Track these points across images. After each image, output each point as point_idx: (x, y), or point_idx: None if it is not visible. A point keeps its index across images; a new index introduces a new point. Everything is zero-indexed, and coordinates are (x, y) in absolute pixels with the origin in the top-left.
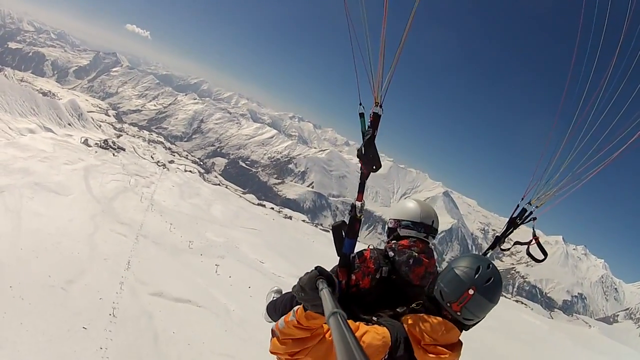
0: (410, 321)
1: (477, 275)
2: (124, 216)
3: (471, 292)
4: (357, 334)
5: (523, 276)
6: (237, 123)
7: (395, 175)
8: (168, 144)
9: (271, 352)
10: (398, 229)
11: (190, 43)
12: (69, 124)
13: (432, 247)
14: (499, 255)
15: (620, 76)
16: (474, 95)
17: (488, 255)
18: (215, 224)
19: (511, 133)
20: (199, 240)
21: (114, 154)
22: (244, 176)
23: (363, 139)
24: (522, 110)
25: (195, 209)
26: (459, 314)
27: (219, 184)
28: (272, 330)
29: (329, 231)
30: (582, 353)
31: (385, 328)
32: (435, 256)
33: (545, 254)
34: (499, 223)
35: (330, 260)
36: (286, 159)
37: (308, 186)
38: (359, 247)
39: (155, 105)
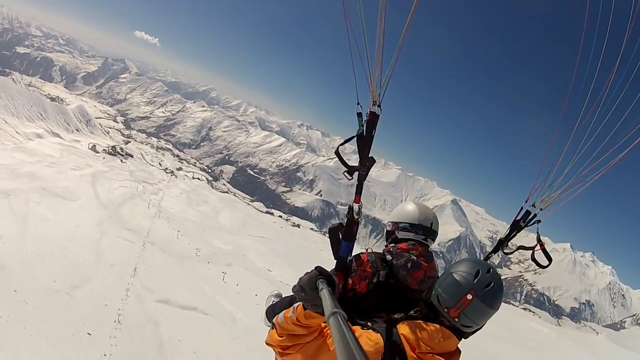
0: (405, 328)
1: (476, 280)
2: (131, 223)
3: (470, 297)
4: None
5: (531, 284)
6: (245, 131)
7: (403, 184)
8: (176, 151)
9: (266, 343)
10: (396, 232)
11: (199, 50)
12: (77, 130)
13: (432, 250)
14: (506, 263)
15: (625, 76)
16: (481, 101)
17: (490, 259)
18: (222, 231)
19: (519, 139)
20: (206, 248)
21: (121, 161)
22: (252, 184)
23: (358, 138)
24: (530, 115)
25: (203, 216)
26: (456, 320)
27: (227, 192)
28: (272, 322)
29: None
30: None
31: (378, 334)
32: (436, 261)
33: (550, 259)
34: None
35: None
36: (294, 167)
37: (316, 194)
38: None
39: (163, 112)
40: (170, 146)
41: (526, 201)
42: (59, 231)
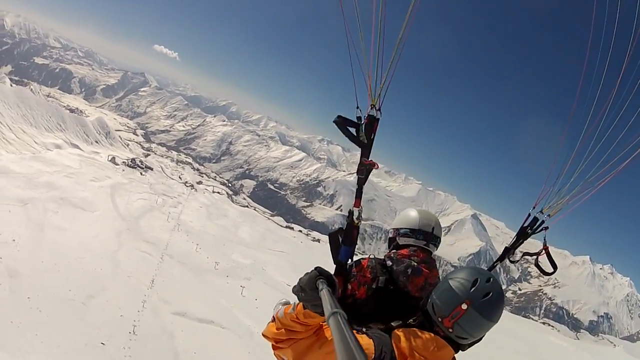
0: (399, 335)
1: (473, 289)
2: (149, 235)
3: (464, 306)
4: None
5: (550, 298)
6: (265, 145)
7: (423, 198)
8: (196, 165)
9: (262, 334)
10: (397, 238)
11: (219, 65)
12: (96, 142)
13: (435, 257)
14: (526, 277)
15: (634, 80)
16: (501, 113)
17: (510, 273)
18: (242, 245)
19: (539, 153)
20: (225, 262)
21: (141, 173)
22: (273, 199)
23: (361, 143)
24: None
25: (223, 230)
26: (450, 330)
27: (247, 206)
28: (272, 315)
29: (357, 254)
30: None
31: (371, 340)
32: (439, 268)
33: (555, 267)
34: (527, 244)
35: None
36: (315, 182)
37: (337, 209)
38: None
39: (184, 126)
40: (190, 160)
41: (533, 207)
42: (75, 241)
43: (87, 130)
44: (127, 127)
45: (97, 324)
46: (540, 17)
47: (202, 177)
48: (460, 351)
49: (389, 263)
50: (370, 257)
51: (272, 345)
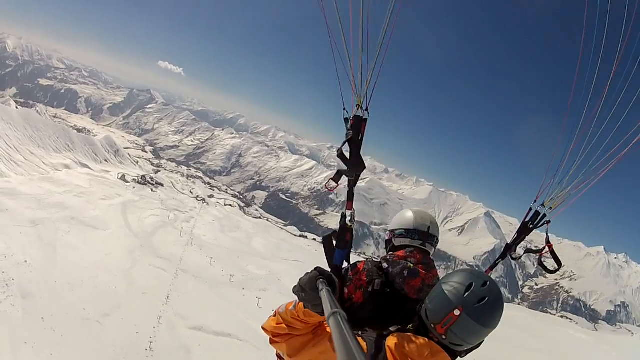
0: (392, 340)
1: (467, 294)
2: (163, 251)
3: (457, 312)
4: None
5: (567, 291)
6: (275, 156)
7: (436, 200)
8: (207, 179)
9: (262, 327)
10: (393, 240)
11: (224, 77)
12: (105, 160)
13: (433, 258)
14: (542, 272)
15: (631, 64)
16: (507, 110)
17: (525, 270)
18: (256, 257)
19: (549, 148)
20: (240, 274)
21: (152, 190)
22: (285, 208)
23: (349, 144)
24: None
25: (236, 242)
26: (444, 337)
27: (259, 217)
28: (274, 310)
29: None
30: None
31: (365, 343)
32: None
33: (559, 264)
34: (541, 239)
35: None
36: (326, 190)
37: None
38: None
39: (192, 141)
40: (200, 174)
41: (535, 201)
42: (88, 260)
43: (95, 149)
44: (136, 144)
45: (112, 342)
46: (541, 12)
47: (213, 190)
48: (459, 357)
49: (385, 265)
50: (367, 259)
51: (270, 339)
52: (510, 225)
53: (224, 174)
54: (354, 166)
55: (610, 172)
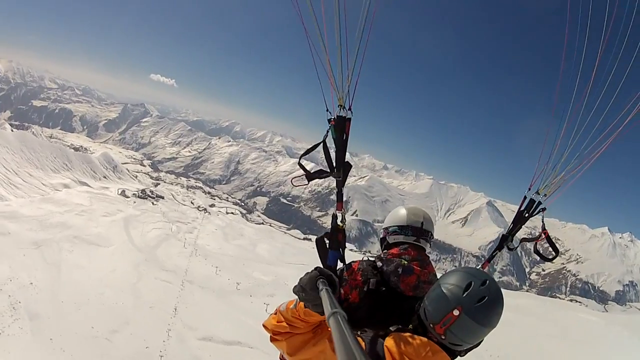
0: (390, 340)
1: (466, 293)
2: (168, 263)
3: (456, 312)
4: None
5: (574, 274)
6: (274, 161)
7: (437, 193)
8: (207, 188)
9: (262, 325)
10: (387, 237)
11: (217, 86)
12: (105, 177)
13: (429, 254)
14: (548, 257)
15: (620, 40)
16: (502, 96)
17: (531, 257)
18: (262, 262)
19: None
20: (246, 281)
21: (153, 203)
22: (287, 212)
23: (335, 145)
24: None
25: (241, 249)
26: (443, 337)
27: (262, 223)
28: (275, 309)
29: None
30: None
31: (363, 343)
32: (433, 257)
33: (556, 251)
34: (545, 224)
35: None
36: (327, 191)
37: (352, 215)
38: None
39: (190, 152)
40: (200, 184)
41: (529, 189)
42: (94, 277)
43: (93, 166)
44: (134, 159)
45: (123, 358)
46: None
47: (214, 199)
48: (458, 357)
49: (379, 264)
50: (361, 259)
51: (270, 336)
52: (513, 213)
53: (224, 182)
54: (340, 167)
55: (609, 152)
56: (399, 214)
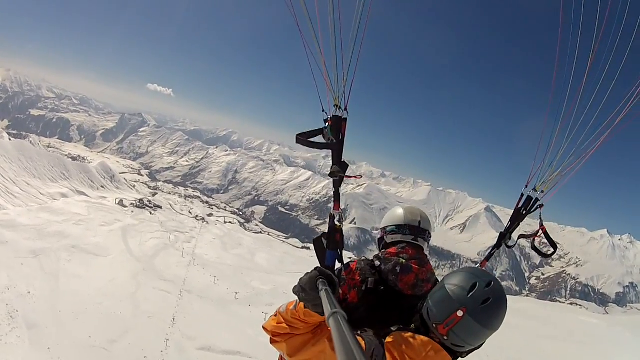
0: (391, 339)
1: (470, 294)
2: (166, 273)
3: (460, 313)
4: None
5: (574, 277)
6: (271, 169)
7: (435, 199)
8: (205, 198)
9: (262, 327)
10: (385, 237)
11: (214, 95)
12: (102, 187)
13: (427, 252)
14: (547, 261)
15: (613, 36)
16: (497, 102)
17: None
18: (260, 272)
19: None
20: (245, 290)
21: (150, 213)
22: (285, 221)
23: (332, 147)
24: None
25: (239, 259)
26: (446, 338)
27: (260, 232)
28: (275, 310)
29: None
30: None
31: (363, 342)
32: (433, 263)
33: (554, 246)
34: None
35: None
36: (325, 199)
37: (350, 223)
38: None
39: (187, 161)
40: (198, 193)
41: (526, 186)
42: (92, 287)
43: (91, 176)
44: (131, 168)
45: None
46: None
47: (212, 209)
48: (460, 358)
49: (377, 263)
50: (359, 259)
51: (270, 338)
52: None
53: (222, 191)
54: (339, 167)
55: (606, 154)
56: (397, 213)
